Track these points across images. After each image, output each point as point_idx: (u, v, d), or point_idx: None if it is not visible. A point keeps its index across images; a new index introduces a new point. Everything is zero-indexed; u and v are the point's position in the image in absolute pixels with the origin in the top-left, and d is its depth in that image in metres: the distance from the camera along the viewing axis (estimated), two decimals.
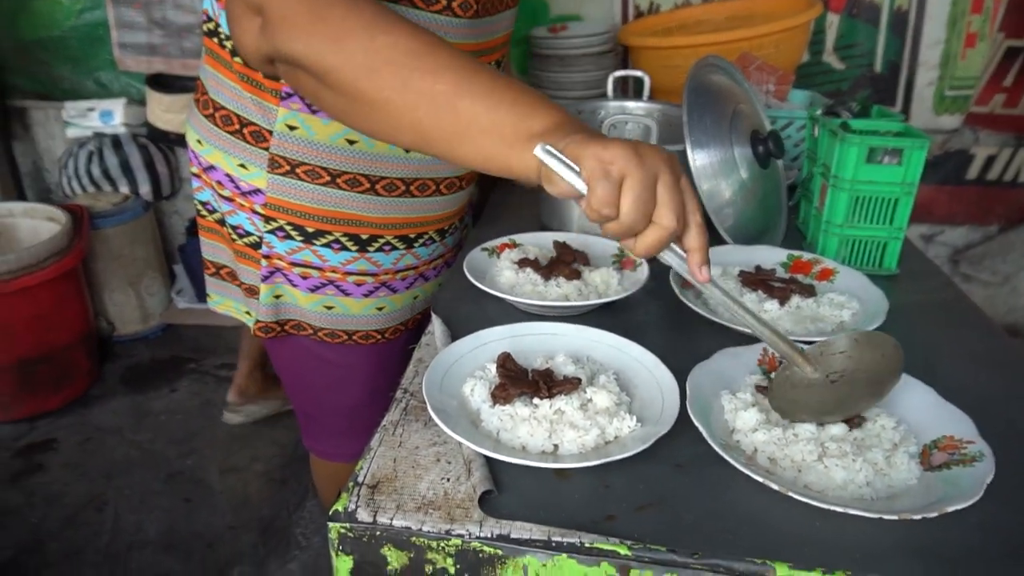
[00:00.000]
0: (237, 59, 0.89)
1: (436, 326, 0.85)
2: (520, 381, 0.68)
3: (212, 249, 1.06)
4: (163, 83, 2.50)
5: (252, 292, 1.00)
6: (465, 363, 0.74)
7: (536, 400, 0.66)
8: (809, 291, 0.88)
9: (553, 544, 0.54)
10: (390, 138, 0.69)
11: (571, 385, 0.67)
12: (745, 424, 0.64)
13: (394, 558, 0.57)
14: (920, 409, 0.66)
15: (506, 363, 0.71)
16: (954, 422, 0.63)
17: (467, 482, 0.60)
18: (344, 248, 0.96)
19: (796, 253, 1.00)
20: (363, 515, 0.57)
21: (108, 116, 2.56)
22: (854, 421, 0.64)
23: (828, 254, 1.03)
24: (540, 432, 0.63)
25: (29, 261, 2.15)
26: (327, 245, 0.96)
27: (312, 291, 0.98)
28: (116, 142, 2.55)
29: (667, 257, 0.62)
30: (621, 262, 1.00)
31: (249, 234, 0.97)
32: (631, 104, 1.33)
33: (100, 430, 2.25)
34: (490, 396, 0.67)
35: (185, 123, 1.04)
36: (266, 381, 2.26)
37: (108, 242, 2.51)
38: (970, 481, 0.56)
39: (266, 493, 2.01)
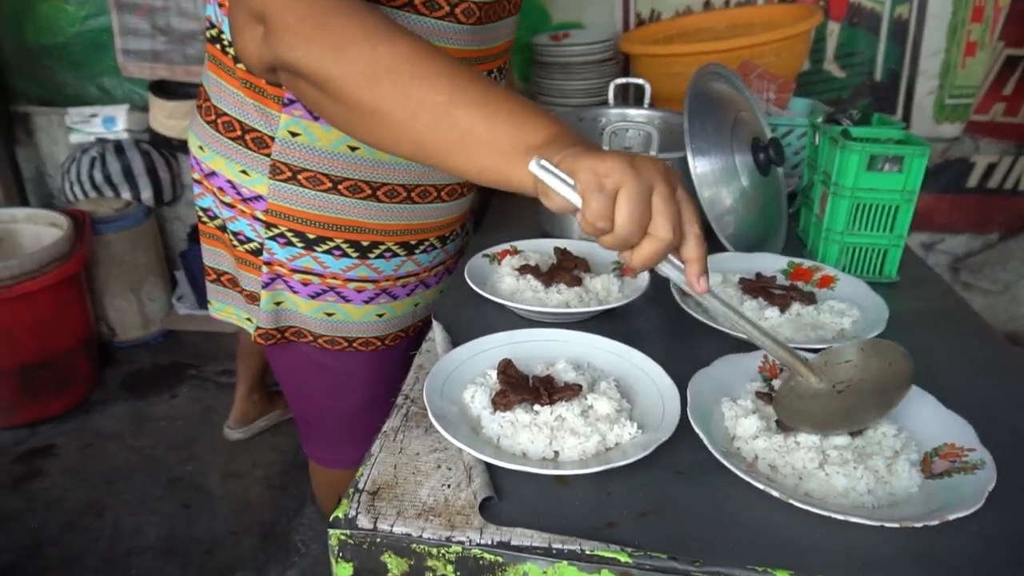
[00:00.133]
0: (240, 65, 0.89)
1: (437, 332, 0.85)
2: (521, 387, 0.68)
3: (213, 255, 1.06)
4: (166, 89, 2.51)
5: (253, 299, 1.00)
6: (466, 369, 0.74)
7: (537, 406, 0.66)
8: (809, 298, 0.88)
9: (553, 551, 0.54)
10: (391, 147, 0.69)
11: (572, 392, 0.67)
12: (746, 431, 0.64)
13: (394, 565, 0.56)
14: (921, 417, 0.66)
15: (507, 369, 0.71)
16: (955, 430, 0.63)
17: (468, 489, 0.60)
18: (345, 255, 0.96)
19: (796, 260, 1.00)
20: (363, 521, 0.57)
21: (111, 122, 2.56)
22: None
23: (828, 261, 1.03)
24: (541, 439, 0.63)
25: (31, 266, 2.15)
26: (328, 252, 0.96)
27: (313, 298, 0.98)
28: (119, 148, 2.56)
29: (665, 269, 0.62)
30: (622, 269, 0.99)
31: (250, 240, 0.97)
32: (632, 111, 1.33)
33: (100, 435, 2.25)
34: (491, 402, 0.67)
35: (187, 129, 1.04)
36: (265, 400, 2.25)
37: (110, 248, 2.52)
38: (971, 489, 0.56)
39: (266, 499, 2.00)
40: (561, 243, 1.02)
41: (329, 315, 1.00)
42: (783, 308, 0.87)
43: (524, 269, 0.94)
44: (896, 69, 2.19)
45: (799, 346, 0.76)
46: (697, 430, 0.62)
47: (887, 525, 0.53)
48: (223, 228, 1.00)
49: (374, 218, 0.96)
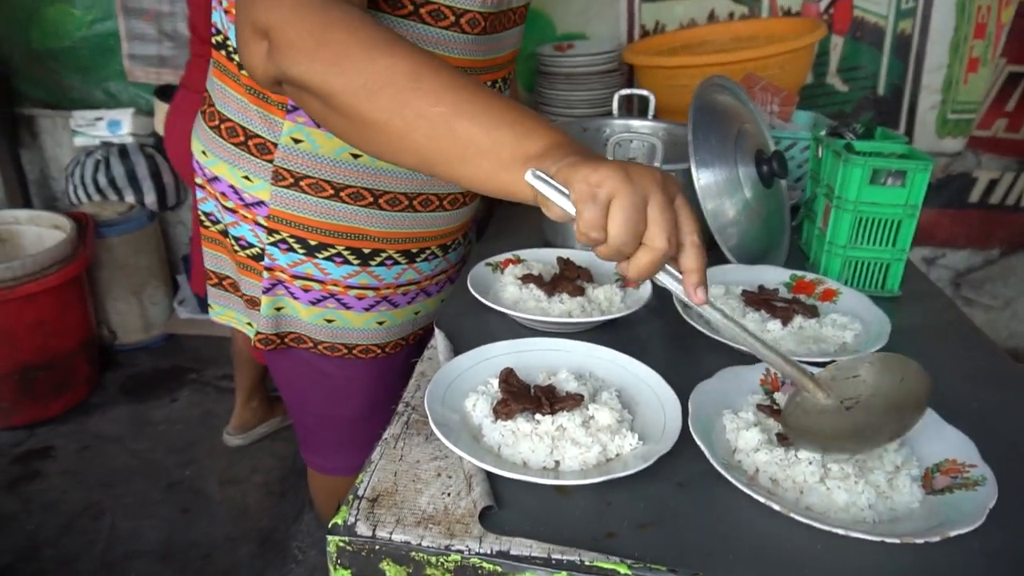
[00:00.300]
0: (244, 72, 0.89)
1: (439, 340, 0.85)
2: (522, 397, 0.67)
3: (215, 259, 1.07)
4: (171, 94, 2.51)
5: (253, 304, 1.00)
6: (467, 378, 0.74)
7: (538, 416, 0.66)
8: (812, 311, 0.88)
9: (553, 561, 0.54)
10: (393, 159, 0.69)
11: (573, 401, 0.67)
12: (747, 444, 0.64)
13: (392, 573, 0.56)
14: (923, 432, 0.66)
15: (508, 378, 0.70)
16: (956, 446, 0.63)
17: (467, 497, 0.60)
18: (346, 262, 0.96)
19: (799, 273, 1.00)
20: (362, 528, 0.57)
21: (116, 126, 2.57)
22: None
23: (831, 275, 1.03)
24: (541, 448, 0.63)
25: (33, 268, 2.15)
26: (329, 258, 0.96)
27: (313, 304, 0.98)
28: (123, 151, 2.56)
29: (663, 279, 0.61)
30: (624, 279, 1.00)
31: (252, 246, 0.97)
32: (636, 122, 1.33)
33: (99, 438, 2.24)
34: (492, 411, 0.67)
35: (191, 134, 1.04)
36: (265, 406, 2.24)
37: (112, 251, 2.52)
38: (972, 505, 0.56)
39: (265, 505, 2.00)
40: (564, 253, 1.02)
41: (329, 322, 1.00)
42: (785, 321, 0.86)
43: (527, 278, 0.93)
44: (899, 84, 2.19)
45: (801, 359, 0.76)
46: (698, 442, 0.62)
47: (888, 541, 0.53)
48: (225, 233, 1.01)
49: (375, 226, 0.96)
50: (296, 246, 0.95)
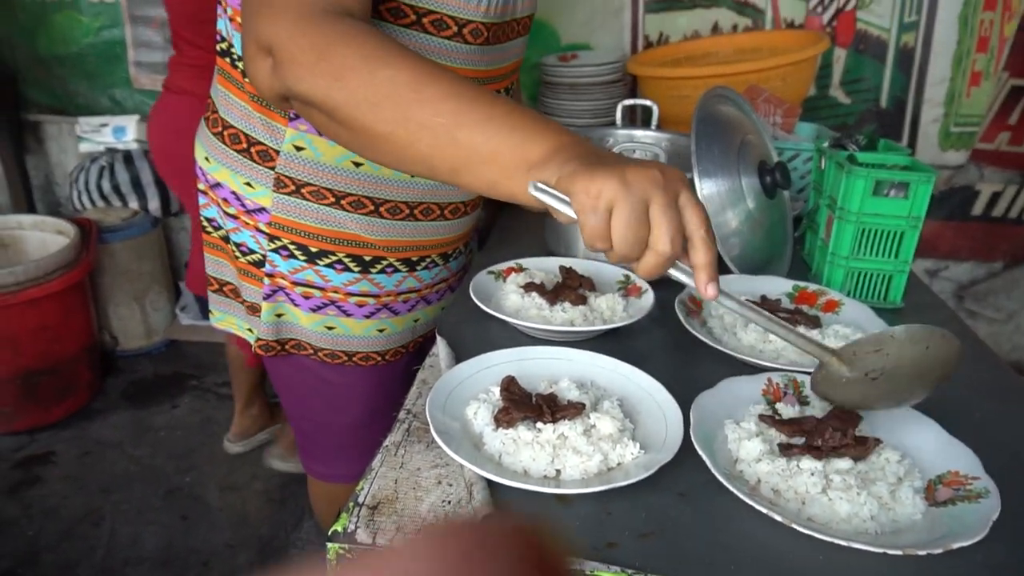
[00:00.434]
0: (248, 79, 0.90)
1: (441, 348, 0.85)
2: (524, 405, 0.67)
3: (216, 266, 1.07)
4: None
5: (254, 310, 1.00)
6: (469, 385, 0.73)
7: (539, 424, 0.66)
8: (814, 322, 0.88)
9: None
10: (400, 168, 0.70)
11: (575, 410, 0.67)
12: (749, 454, 0.64)
13: None
14: (925, 444, 0.66)
15: (510, 387, 0.70)
16: (959, 458, 0.63)
17: (468, 505, 0.60)
18: (347, 269, 0.97)
19: (802, 284, 1.00)
20: (362, 536, 0.56)
21: (121, 132, 2.58)
22: (859, 452, 0.63)
23: (833, 286, 1.03)
24: (543, 457, 0.63)
25: (36, 273, 2.16)
26: (330, 265, 0.96)
27: (314, 311, 0.98)
28: (128, 158, 2.57)
29: (675, 275, 0.62)
30: (626, 288, 1.00)
31: (253, 252, 0.97)
32: (639, 133, 1.34)
33: (100, 444, 2.24)
34: (493, 419, 0.67)
35: (195, 140, 1.05)
36: (265, 413, 2.24)
37: (115, 256, 2.52)
38: (975, 518, 0.56)
39: (265, 512, 1.99)
40: (566, 261, 1.02)
41: (330, 329, 1.00)
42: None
43: (529, 287, 0.94)
44: (902, 96, 2.20)
45: (805, 370, 0.76)
46: (700, 452, 0.62)
47: (890, 552, 0.53)
48: (226, 239, 1.01)
49: (376, 234, 0.96)
50: (297, 253, 0.95)
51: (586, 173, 0.58)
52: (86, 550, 1.82)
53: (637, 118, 2.00)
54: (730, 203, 1.03)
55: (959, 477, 0.61)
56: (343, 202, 0.93)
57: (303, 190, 0.92)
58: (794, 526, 0.54)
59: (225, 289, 1.07)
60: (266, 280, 0.97)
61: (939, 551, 0.52)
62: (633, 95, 2.06)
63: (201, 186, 1.03)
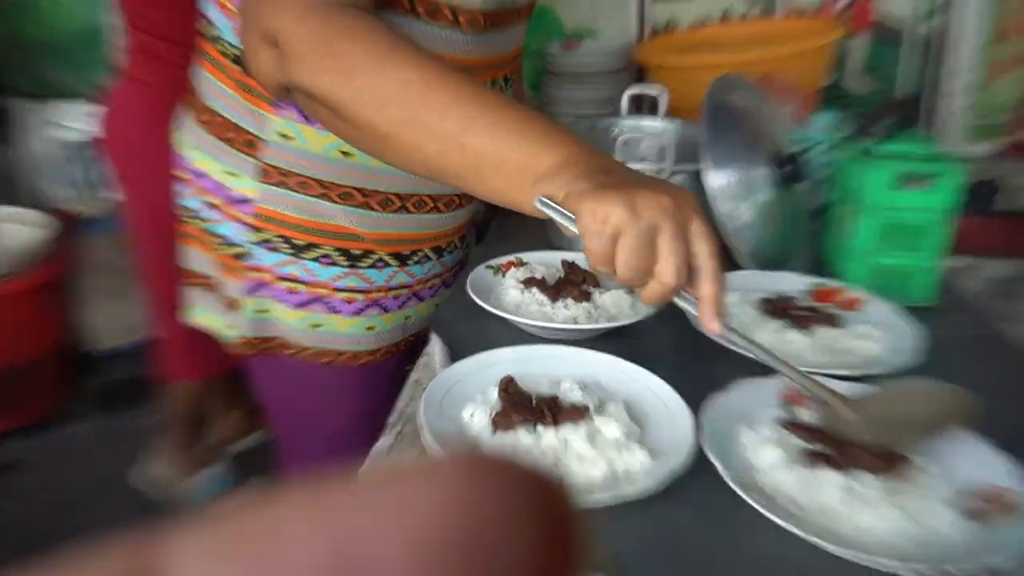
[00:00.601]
0: (236, 66, 0.89)
1: (435, 346, 0.83)
2: (523, 407, 0.66)
3: (195, 258, 1.04)
4: None
5: (235, 306, 0.98)
6: (465, 386, 0.72)
7: (540, 428, 0.64)
8: (835, 321, 0.86)
9: None
10: (406, 169, 0.72)
11: (578, 413, 0.65)
12: (765, 462, 0.62)
13: None
14: (959, 453, 0.63)
15: (509, 388, 0.69)
16: (996, 469, 0.60)
17: None
18: (334, 263, 0.95)
19: (821, 281, 0.98)
20: None
21: None
22: (886, 467, 0.61)
23: (855, 282, 1.01)
24: (544, 463, 0.60)
25: (12, 267, 2.13)
26: (316, 259, 0.94)
27: (299, 307, 0.96)
28: None
29: (680, 303, 0.63)
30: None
31: (235, 245, 0.95)
32: (646, 122, 1.32)
33: (71, 450, 2.21)
34: (491, 422, 0.65)
35: (170, 129, 1.03)
36: (246, 420, 2.18)
37: (95, 250, 2.50)
38: (1015, 535, 0.53)
39: None
40: (569, 256, 1.00)
41: (315, 326, 0.98)
42: (806, 331, 0.84)
43: (529, 282, 0.92)
44: (921, 86, 2.18)
45: (825, 372, 0.74)
46: (713, 459, 0.60)
47: (922, 571, 0.50)
48: (207, 230, 0.99)
49: (366, 226, 0.95)
50: (282, 246, 0.93)
51: (593, 195, 0.59)
52: None
53: (644, 106, 1.97)
54: (742, 195, 1.01)
55: (998, 490, 0.58)
56: (331, 193, 0.92)
57: (289, 180, 0.91)
58: (815, 541, 0.52)
59: (204, 283, 1.05)
60: (249, 274, 0.95)
61: (975, 570, 0.50)
62: (639, 82, 2.04)
63: (181, 174, 1.01)
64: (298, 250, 0.94)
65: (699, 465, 0.61)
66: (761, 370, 0.75)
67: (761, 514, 0.55)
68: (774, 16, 2.14)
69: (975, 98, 2.17)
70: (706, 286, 0.61)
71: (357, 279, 0.97)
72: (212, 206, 0.96)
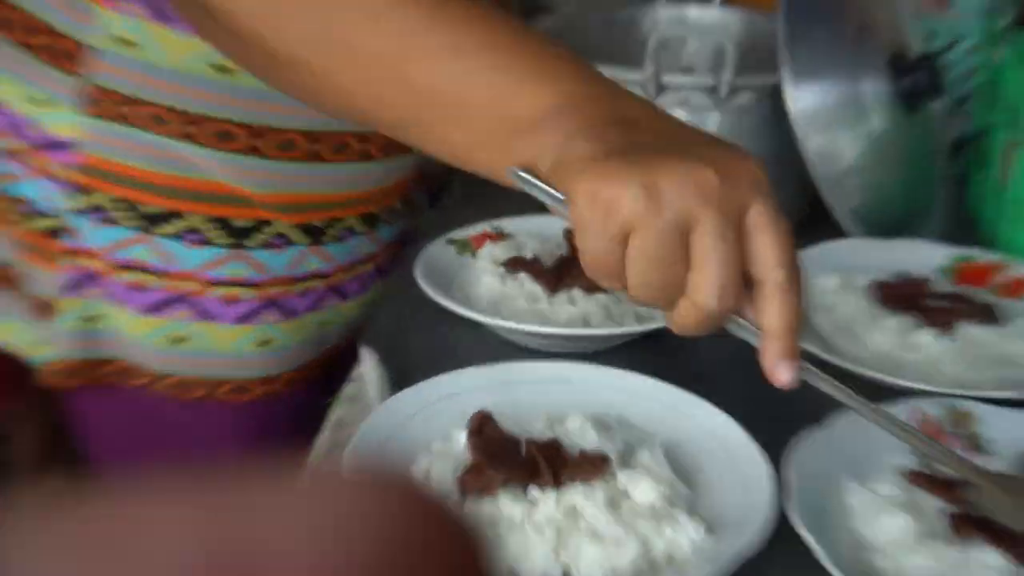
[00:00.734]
0: None
1: (368, 368, 0.84)
2: (507, 459, 0.67)
3: None
4: None
5: (48, 310, 0.98)
6: (416, 428, 0.73)
7: (534, 492, 0.65)
8: (988, 314, 0.88)
9: None
10: (326, 112, 0.76)
11: (593, 467, 0.66)
12: (887, 536, 0.63)
13: None
14: None
15: (484, 429, 0.70)
16: None
17: None
18: (206, 241, 0.96)
19: (966, 253, 1.00)
20: None
21: None
22: None
23: (1020, 254, 1.02)
24: (540, 545, 0.62)
25: None
26: (177, 236, 0.95)
27: (150, 312, 0.97)
28: None
29: (735, 331, 0.61)
30: None
31: (47, 215, 0.95)
32: (694, 12, 1.33)
33: None
34: (457, 484, 0.66)
35: None
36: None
37: None
38: None
39: None
40: None
41: (178, 342, 0.98)
42: (945, 329, 0.86)
43: (515, 264, 0.93)
44: None
45: (976, 393, 0.74)
46: (805, 535, 0.60)
47: None
48: (2, 192, 0.99)
49: (255, 183, 0.95)
50: (120, 216, 0.93)
51: (596, 167, 0.57)
52: None
53: None
54: (843, 122, 1.03)
55: None
56: (200, 131, 0.92)
57: (130, 112, 0.91)
58: None
59: (1, 275, 1.05)
60: (66, 260, 0.95)
61: None
62: None
63: None
64: (148, 222, 0.94)
65: (782, 542, 0.62)
66: (870, 393, 0.76)
67: None
68: None
69: None
70: (772, 312, 0.59)
71: (243, 266, 0.97)
72: (9, 153, 0.96)
